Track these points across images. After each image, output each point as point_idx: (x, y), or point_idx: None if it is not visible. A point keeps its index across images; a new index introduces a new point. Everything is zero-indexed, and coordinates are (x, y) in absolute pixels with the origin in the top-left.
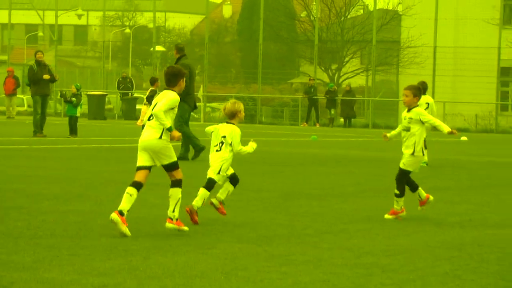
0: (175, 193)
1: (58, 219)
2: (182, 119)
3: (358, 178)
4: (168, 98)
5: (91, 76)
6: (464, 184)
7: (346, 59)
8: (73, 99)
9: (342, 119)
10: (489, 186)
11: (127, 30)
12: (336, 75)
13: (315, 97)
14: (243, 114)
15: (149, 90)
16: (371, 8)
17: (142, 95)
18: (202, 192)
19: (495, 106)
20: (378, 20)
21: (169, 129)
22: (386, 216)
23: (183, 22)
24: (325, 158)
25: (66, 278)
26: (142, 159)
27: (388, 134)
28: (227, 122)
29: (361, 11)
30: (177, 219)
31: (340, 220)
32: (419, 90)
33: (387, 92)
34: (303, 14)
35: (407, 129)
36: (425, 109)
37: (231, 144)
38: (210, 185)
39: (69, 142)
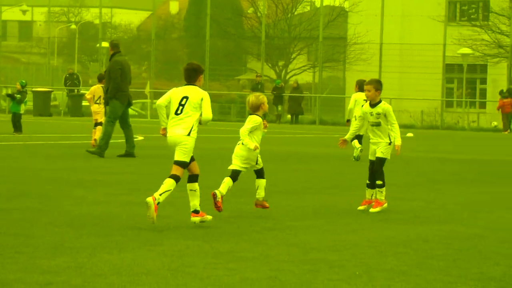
0: (193, 187)
1: (1, 217)
2: (113, 116)
3: (305, 175)
4: (207, 100)
5: (36, 72)
6: (410, 181)
7: (293, 55)
8: (17, 95)
9: (289, 116)
10: (435, 182)
11: (73, 26)
12: (283, 71)
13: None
14: (267, 106)
15: (96, 87)
16: (317, 4)
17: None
18: (228, 181)
19: (440, 103)
20: (325, 17)
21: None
22: (372, 210)
23: (129, 18)
24: (272, 155)
25: (10, 277)
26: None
27: (346, 137)
28: (250, 114)
29: (308, 7)
30: (198, 211)
31: (287, 217)
32: (381, 84)
33: (334, 89)
34: (250, 10)
35: (377, 124)
36: (362, 106)
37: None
38: (235, 175)
39: (13, 139)
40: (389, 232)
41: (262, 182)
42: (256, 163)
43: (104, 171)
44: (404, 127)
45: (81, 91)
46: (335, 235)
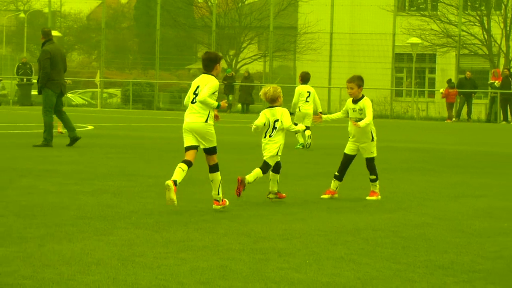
0: (216, 177)
1: None
2: (48, 105)
3: (255, 164)
4: (210, 85)
5: None
6: (359, 170)
7: (244, 45)
8: None
9: (240, 105)
10: (384, 171)
11: (22, 15)
12: (234, 61)
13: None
14: (282, 98)
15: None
16: None
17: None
18: (258, 171)
19: (390, 92)
20: (275, 6)
21: (218, 106)
22: (368, 197)
23: (79, 7)
24: (223, 144)
25: None
26: (188, 140)
27: (324, 116)
28: (270, 107)
29: None
30: (222, 200)
31: (237, 206)
32: (362, 80)
33: (285, 78)
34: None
35: (360, 120)
36: (307, 98)
37: (282, 124)
38: (266, 168)
39: None
40: (339, 220)
41: (277, 177)
42: (277, 154)
43: (53, 161)
44: None
45: (33, 80)
46: (285, 224)
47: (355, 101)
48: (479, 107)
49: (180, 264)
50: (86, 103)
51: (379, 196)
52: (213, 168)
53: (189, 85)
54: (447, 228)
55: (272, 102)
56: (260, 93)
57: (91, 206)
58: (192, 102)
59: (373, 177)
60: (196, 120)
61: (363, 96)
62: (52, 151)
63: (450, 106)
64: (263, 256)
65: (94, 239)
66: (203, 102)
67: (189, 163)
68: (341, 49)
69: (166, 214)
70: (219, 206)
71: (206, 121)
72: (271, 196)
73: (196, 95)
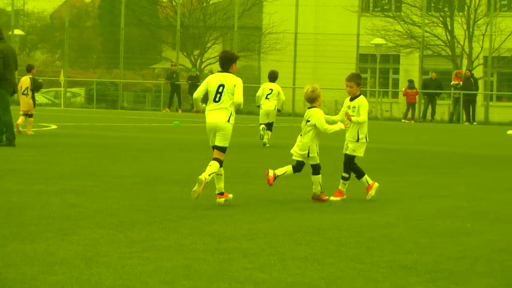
0: (215, 165)
1: None
2: (4, 104)
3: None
4: (240, 86)
5: None
6: (324, 170)
7: (208, 44)
8: None
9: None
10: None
11: None
12: (199, 60)
13: (178, 82)
14: (321, 98)
15: (24, 78)
16: None
17: None
18: (289, 168)
19: None
20: (240, 6)
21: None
22: (332, 198)
23: (42, 5)
24: (187, 144)
25: None
26: (212, 140)
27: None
28: (309, 108)
29: None
30: (223, 193)
31: (201, 206)
32: (360, 77)
33: (249, 78)
34: None
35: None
36: (267, 95)
37: (315, 125)
38: (299, 167)
39: None
40: (303, 220)
41: (317, 178)
42: (308, 156)
43: (16, 160)
44: None
45: None
46: (249, 224)
47: (352, 99)
48: (442, 108)
49: (144, 263)
50: (50, 102)
51: (345, 196)
52: (217, 160)
53: (153, 85)
54: (410, 228)
55: (311, 102)
56: (303, 93)
57: (54, 206)
58: (215, 101)
59: (346, 175)
60: (220, 119)
61: (360, 94)
62: (15, 151)
63: (408, 106)
64: (228, 256)
65: (58, 239)
66: (241, 104)
67: (220, 162)
68: (306, 50)
69: (130, 214)
70: (222, 199)
71: (229, 120)
72: (316, 192)
73: (221, 94)
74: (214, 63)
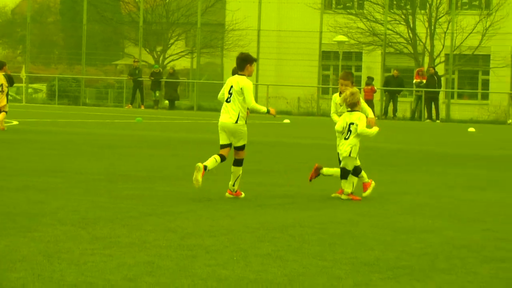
0: (237, 170)
1: None
2: None
3: (183, 161)
4: (247, 89)
5: None
6: (287, 167)
7: (171, 41)
8: None
9: (166, 101)
10: (311, 168)
11: None
12: (161, 57)
13: (140, 78)
14: (361, 102)
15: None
16: None
17: None
18: (336, 171)
19: (316, 90)
20: (203, 3)
21: (267, 111)
22: (364, 194)
23: (3, 1)
24: (150, 140)
25: None
26: (222, 138)
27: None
28: (349, 111)
29: None
30: (236, 191)
31: (164, 203)
32: (353, 75)
33: (212, 75)
34: None
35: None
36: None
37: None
38: (344, 173)
39: None
40: (266, 217)
41: (353, 178)
42: (350, 155)
43: None
44: (281, 113)
45: None
46: (212, 220)
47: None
48: (404, 105)
49: (106, 260)
50: (11, 98)
51: (372, 182)
52: (237, 162)
53: (116, 81)
54: (372, 225)
55: (352, 107)
56: (341, 98)
57: (16, 202)
58: (227, 101)
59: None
60: (227, 120)
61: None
62: None
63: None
64: (190, 252)
65: (19, 236)
66: (253, 110)
67: (222, 157)
68: (269, 46)
69: (93, 211)
70: (231, 195)
71: (236, 122)
72: (343, 196)
73: (231, 94)
74: (177, 59)
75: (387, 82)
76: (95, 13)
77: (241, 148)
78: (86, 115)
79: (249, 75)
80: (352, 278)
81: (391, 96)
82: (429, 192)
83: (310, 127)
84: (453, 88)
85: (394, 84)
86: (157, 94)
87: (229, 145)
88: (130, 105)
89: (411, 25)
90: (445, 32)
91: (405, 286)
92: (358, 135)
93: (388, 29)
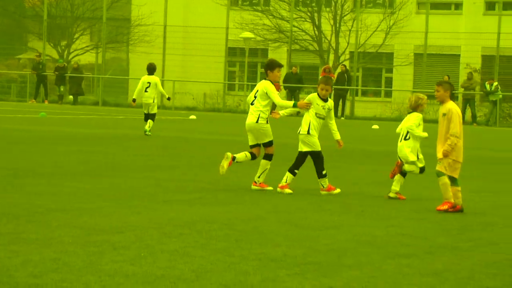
0: (264, 164)
1: None
2: None
3: (88, 156)
4: (269, 90)
5: None
6: (194, 162)
7: (76, 35)
8: None
9: (71, 97)
10: (217, 164)
11: None
12: (66, 51)
13: (44, 73)
14: (424, 107)
15: None
16: None
17: None
18: (416, 169)
19: (222, 86)
20: None
21: (294, 105)
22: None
23: None
24: (55, 136)
25: None
26: (250, 139)
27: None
28: (409, 113)
29: None
30: (261, 183)
31: (70, 199)
32: (332, 80)
33: (117, 70)
34: None
35: (323, 118)
36: (146, 88)
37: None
38: (421, 170)
39: None
40: (173, 213)
41: (402, 179)
42: (418, 158)
43: None
44: (186, 109)
45: None
46: (120, 216)
47: (324, 100)
48: None
49: (11, 256)
50: None
51: (337, 189)
52: (267, 157)
53: (19, 75)
54: (280, 221)
55: (414, 109)
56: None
57: None
58: (251, 104)
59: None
60: (249, 121)
61: (330, 96)
62: None
63: None
64: (97, 249)
65: None
66: (281, 107)
67: (253, 155)
68: (175, 42)
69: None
70: (256, 187)
71: (257, 121)
72: (391, 195)
73: (255, 97)
74: (82, 54)
75: (286, 78)
76: None
77: (268, 144)
78: None
79: (274, 80)
80: (259, 274)
81: (291, 93)
82: None
83: (216, 123)
84: (357, 85)
85: (293, 81)
86: (62, 89)
87: (258, 145)
88: (34, 100)
89: (317, 23)
90: (349, 30)
91: (313, 282)
92: (415, 137)
93: (294, 26)
